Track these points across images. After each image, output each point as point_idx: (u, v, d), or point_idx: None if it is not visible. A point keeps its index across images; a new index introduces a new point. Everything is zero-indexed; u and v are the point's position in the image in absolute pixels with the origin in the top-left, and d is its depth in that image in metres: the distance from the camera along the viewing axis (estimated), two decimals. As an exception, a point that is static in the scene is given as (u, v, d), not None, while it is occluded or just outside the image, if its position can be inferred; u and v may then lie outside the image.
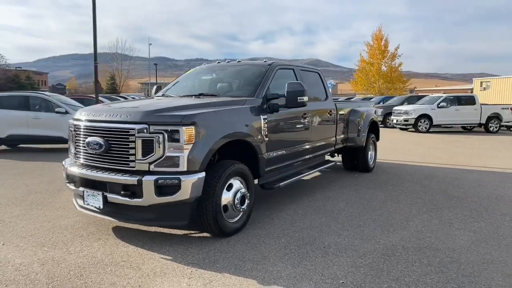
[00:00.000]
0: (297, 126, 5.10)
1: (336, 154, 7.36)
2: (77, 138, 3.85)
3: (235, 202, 3.82)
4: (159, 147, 3.37)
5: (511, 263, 3.30)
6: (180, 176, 3.35)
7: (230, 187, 3.83)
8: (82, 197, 3.77)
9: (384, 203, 5.20)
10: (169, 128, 3.38)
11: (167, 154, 3.38)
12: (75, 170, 3.80)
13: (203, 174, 3.49)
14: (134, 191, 3.39)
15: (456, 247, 3.66)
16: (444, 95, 18.88)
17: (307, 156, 5.47)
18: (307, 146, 5.38)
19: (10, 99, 10.06)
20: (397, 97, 24.44)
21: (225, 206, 3.77)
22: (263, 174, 4.43)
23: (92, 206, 3.68)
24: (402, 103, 21.12)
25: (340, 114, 6.53)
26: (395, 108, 19.09)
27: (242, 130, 3.97)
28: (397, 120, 18.32)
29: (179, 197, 3.36)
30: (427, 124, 17.51)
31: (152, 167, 3.40)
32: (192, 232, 3.99)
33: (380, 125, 20.52)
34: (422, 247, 3.65)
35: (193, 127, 3.41)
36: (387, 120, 20.34)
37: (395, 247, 3.63)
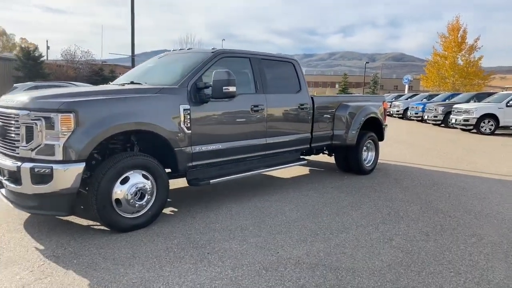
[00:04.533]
0: (242, 119, 4.69)
1: (327, 152, 6.73)
2: (-6, 124, 3.96)
3: (129, 197, 3.61)
4: (38, 134, 3.30)
5: (408, 297, 2.61)
6: (53, 165, 3.25)
7: (126, 180, 3.63)
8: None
9: (340, 210, 4.57)
10: (46, 114, 3.29)
11: (45, 141, 3.30)
12: (-12, 155, 3.91)
13: (81, 164, 3.34)
14: (16, 177, 3.37)
15: (362, 269, 3.03)
16: (517, 92, 16.32)
17: (262, 153, 5.02)
18: (261, 142, 4.94)
19: (49, 88, 10.99)
20: (463, 94, 21.83)
21: (118, 200, 3.58)
22: (184, 169, 4.15)
23: (-4, 190, 3.77)
24: (468, 101, 18.80)
25: (320, 109, 5.90)
26: (455, 106, 17.02)
27: (145, 121, 3.73)
28: (456, 120, 16.31)
29: (52, 187, 3.26)
30: (491, 125, 15.30)
31: (33, 155, 3.34)
32: (97, 224, 3.88)
33: (441, 125, 18.83)
34: (319, 264, 3.09)
35: (71, 114, 3.28)
36: (448, 120, 18.24)
37: (287, 262, 3.12)
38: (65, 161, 3.28)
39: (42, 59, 40.13)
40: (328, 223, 4.07)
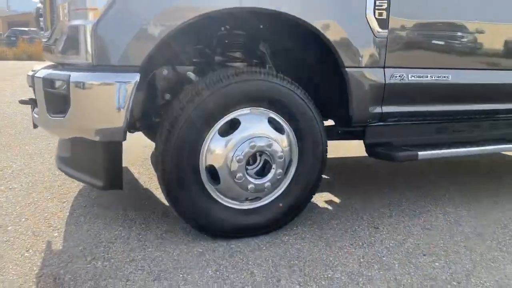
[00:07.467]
0: None
1: None
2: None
3: (235, 166, 1.56)
4: (60, 7, 1.54)
5: None
6: (71, 74, 1.43)
7: (232, 128, 1.59)
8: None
9: None
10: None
11: (70, 22, 1.51)
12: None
13: (133, 77, 1.42)
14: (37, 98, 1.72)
15: None
16: None
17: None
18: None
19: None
20: None
21: (212, 168, 1.59)
22: (364, 118, 1.86)
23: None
24: None
25: None
26: None
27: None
28: None
29: (70, 121, 1.47)
30: None
31: (57, 52, 1.62)
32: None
33: None
34: None
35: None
36: None
37: None
38: (97, 66, 1.43)
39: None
40: None
